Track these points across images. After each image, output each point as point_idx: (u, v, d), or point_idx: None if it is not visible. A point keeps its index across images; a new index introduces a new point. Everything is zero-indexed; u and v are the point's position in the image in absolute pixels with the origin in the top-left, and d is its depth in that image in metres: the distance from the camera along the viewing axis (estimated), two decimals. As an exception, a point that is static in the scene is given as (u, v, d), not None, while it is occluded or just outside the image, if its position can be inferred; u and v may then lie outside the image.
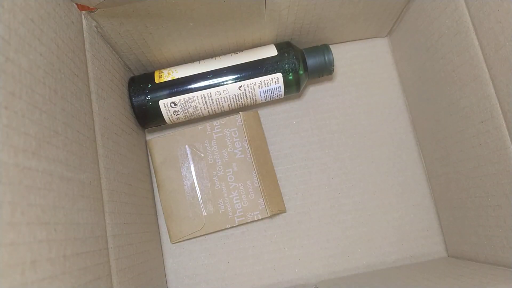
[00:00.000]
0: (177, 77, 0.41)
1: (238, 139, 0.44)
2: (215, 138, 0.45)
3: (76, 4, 0.31)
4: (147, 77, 0.42)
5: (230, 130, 0.45)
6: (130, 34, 0.36)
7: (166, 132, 0.46)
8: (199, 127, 0.45)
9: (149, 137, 0.46)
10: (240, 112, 0.44)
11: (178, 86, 0.41)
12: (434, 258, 0.43)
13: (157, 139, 0.45)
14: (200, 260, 0.44)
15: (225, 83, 0.41)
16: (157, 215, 0.44)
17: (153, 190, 0.45)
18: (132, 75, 0.44)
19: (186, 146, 0.44)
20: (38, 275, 0.19)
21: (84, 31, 0.32)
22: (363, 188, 0.45)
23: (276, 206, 0.43)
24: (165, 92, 0.41)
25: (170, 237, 0.43)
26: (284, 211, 0.44)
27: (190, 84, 0.41)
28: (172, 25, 0.36)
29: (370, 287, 0.37)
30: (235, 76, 0.41)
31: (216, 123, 0.45)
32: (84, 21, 0.32)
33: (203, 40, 0.40)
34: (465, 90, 0.35)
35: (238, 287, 0.43)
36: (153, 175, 0.45)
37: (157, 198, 0.45)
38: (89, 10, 0.32)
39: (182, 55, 0.42)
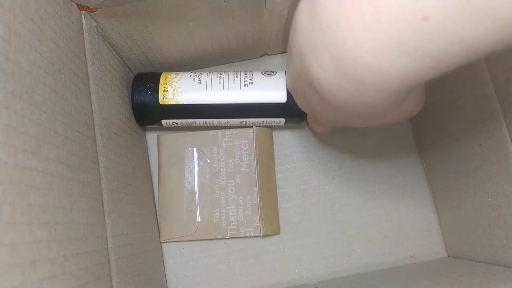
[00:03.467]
0: (181, 103, 0.39)
1: (247, 152, 0.44)
2: (224, 146, 0.44)
3: (76, 4, 0.31)
4: (153, 86, 0.40)
5: (240, 142, 0.44)
6: (130, 34, 0.36)
7: (177, 131, 0.46)
8: (211, 132, 0.44)
9: (150, 137, 0.46)
10: (254, 126, 0.43)
11: (182, 112, 0.40)
12: (434, 258, 0.43)
13: (166, 136, 0.45)
14: (200, 260, 0.44)
15: (227, 116, 0.40)
16: (157, 215, 0.44)
17: (153, 190, 0.45)
18: (132, 75, 0.44)
19: (194, 148, 0.44)
20: (38, 275, 0.19)
21: (84, 31, 0.32)
22: (363, 188, 0.45)
23: (270, 227, 0.43)
24: (168, 114, 0.40)
25: (160, 236, 0.43)
26: (277, 233, 0.44)
27: (193, 112, 0.40)
28: (172, 25, 0.36)
29: (370, 287, 0.37)
30: (239, 113, 0.40)
31: (228, 132, 0.44)
32: (84, 21, 0.32)
33: (203, 40, 0.40)
34: (465, 89, 0.35)
35: (238, 287, 0.43)
36: (153, 174, 0.45)
37: (157, 198, 0.45)
38: (89, 10, 0.32)
39: (182, 55, 0.42)
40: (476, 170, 0.36)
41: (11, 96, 0.19)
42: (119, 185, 0.33)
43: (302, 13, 0.23)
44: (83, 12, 0.32)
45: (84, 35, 0.32)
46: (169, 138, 0.45)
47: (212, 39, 0.40)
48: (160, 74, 0.41)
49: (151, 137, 0.46)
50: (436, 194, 0.44)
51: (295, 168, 0.46)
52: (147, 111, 0.40)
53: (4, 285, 0.16)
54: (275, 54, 0.47)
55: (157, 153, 0.45)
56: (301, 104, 0.34)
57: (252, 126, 0.44)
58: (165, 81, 0.40)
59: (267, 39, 0.43)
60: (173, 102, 0.39)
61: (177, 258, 0.44)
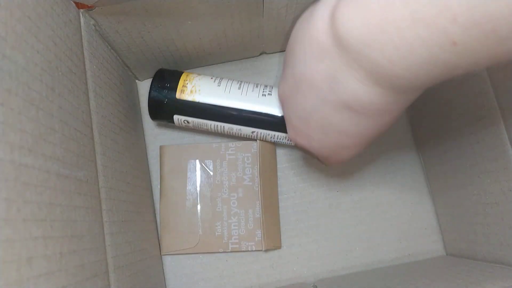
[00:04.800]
0: (197, 101, 0.39)
1: (250, 165, 0.44)
2: (227, 159, 0.44)
3: (74, 2, 0.31)
4: (173, 80, 0.40)
5: (243, 155, 0.44)
6: (128, 33, 0.36)
7: (180, 142, 0.45)
8: (214, 145, 0.44)
9: (148, 138, 0.46)
10: (258, 140, 0.43)
11: (196, 110, 0.40)
12: (433, 257, 0.43)
13: (169, 147, 0.44)
14: (198, 258, 0.44)
15: (240, 124, 0.40)
16: (155, 214, 0.44)
17: (151, 189, 0.45)
18: (130, 73, 0.44)
19: (197, 160, 0.44)
20: (34, 272, 0.19)
21: (82, 29, 0.32)
22: (361, 186, 0.45)
23: (272, 242, 0.43)
24: (182, 110, 0.40)
25: (161, 248, 0.43)
26: (279, 247, 0.44)
27: (207, 112, 0.39)
28: (170, 24, 0.36)
29: (369, 285, 0.37)
30: (253, 122, 0.39)
31: (232, 144, 0.44)
32: (82, 19, 0.32)
33: (201, 39, 0.40)
34: (463, 87, 0.35)
35: (236, 285, 0.43)
36: (152, 174, 0.45)
37: (156, 197, 0.45)
38: (87, 8, 0.32)
39: (180, 54, 0.42)
40: (474, 167, 0.36)
41: (7, 93, 0.19)
42: (116, 183, 0.33)
43: (324, 38, 0.24)
44: (81, 10, 0.32)
45: (82, 33, 0.32)
46: (171, 149, 0.44)
47: (210, 37, 0.40)
48: (181, 72, 0.41)
49: (150, 137, 0.46)
50: (434, 192, 0.44)
51: (293, 166, 0.46)
52: (163, 104, 0.40)
53: (-1, 281, 0.16)
54: (273, 52, 0.47)
55: (155, 155, 0.45)
56: (308, 139, 0.32)
57: (256, 140, 0.43)
58: (185, 78, 0.40)
59: (265, 37, 0.43)
60: (190, 99, 0.39)
61: (175, 256, 0.44)
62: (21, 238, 0.18)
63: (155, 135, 0.46)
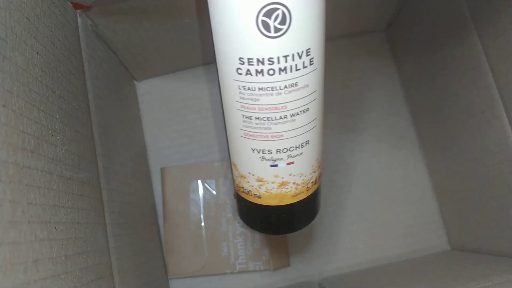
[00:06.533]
0: None
1: None
2: (229, 177, 0.43)
3: (71, 3, 0.30)
4: None
5: None
6: (125, 32, 0.36)
7: (181, 163, 0.45)
8: (215, 163, 0.43)
9: (148, 136, 0.46)
10: None
11: None
12: (438, 252, 0.43)
13: (170, 169, 0.44)
14: (202, 259, 0.43)
15: None
16: (157, 216, 0.44)
17: (152, 190, 0.44)
18: (128, 74, 0.43)
19: (199, 181, 0.43)
20: (41, 274, 0.18)
21: (79, 30, 0.31)
22: (364, 183, 0.45)
23: (280, 261, 0.42)
24: None
25: (167, 272, 0.42)
26: (288, 266, 0.43)
27: None
28: (168, 22, 0.36)
29: (374, 282, 0.37)
30: None
31: None
32: (79, 20, 0.31)
33: (200, 37, 0.40)
34: (465, 80, 0.35)
35: (241, 284, 0.43)
36: (152, 175, 0.45)
37: (157, 199, 0.44)
38: (84, 8, 0.31)
39: (178, 52, 0.42)
40: (477, 161, 0.35)
41: (9, 94, 0.19)
42: (118, 184, 0.33)
43: None
44: (78, 10, 0.31)
45: (80, 34, 0.31)
46: (172, 171, 0.44)
47: (208, 35, 0.40)
48: None
49: (150, 137, 0.46)
50: (437, 187, 0.44)
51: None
52: None
53: (7, 283, 0.16)
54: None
55: (155, 156, 0.45)
56: None
57: None
58: None
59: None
60: None
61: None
62: (27, 240, 0.18)
63: (154, 135, 0.46)
